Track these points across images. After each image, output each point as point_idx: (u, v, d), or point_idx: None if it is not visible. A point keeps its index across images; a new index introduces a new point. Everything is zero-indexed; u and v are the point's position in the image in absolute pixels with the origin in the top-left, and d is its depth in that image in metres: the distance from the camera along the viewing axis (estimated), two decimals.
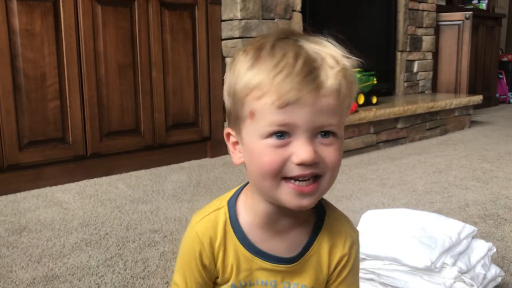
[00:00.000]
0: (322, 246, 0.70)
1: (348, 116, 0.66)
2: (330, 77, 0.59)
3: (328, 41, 0.63)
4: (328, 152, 0.61)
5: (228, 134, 0.68)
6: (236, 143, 0.67)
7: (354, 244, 0.72)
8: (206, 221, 0.70)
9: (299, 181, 0.61)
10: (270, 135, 0.59)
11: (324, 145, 0.61)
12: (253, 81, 0.59)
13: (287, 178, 0.61)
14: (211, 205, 0.72)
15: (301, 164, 0.59)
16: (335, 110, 0.60)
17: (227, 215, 0.70)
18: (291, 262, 0.69)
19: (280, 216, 0.68)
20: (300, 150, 0.59)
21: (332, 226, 0.71)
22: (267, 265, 0.69)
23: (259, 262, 0.69)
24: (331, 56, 0.60)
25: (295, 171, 0.60)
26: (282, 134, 0.59)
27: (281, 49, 0.60)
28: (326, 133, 0.61)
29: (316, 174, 0.61)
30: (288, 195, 0.61)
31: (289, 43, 0.61)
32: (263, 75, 0.59)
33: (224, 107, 0.69)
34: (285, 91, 0.57)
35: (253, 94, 0.60)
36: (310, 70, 0.58)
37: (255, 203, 0.68)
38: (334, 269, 0.71)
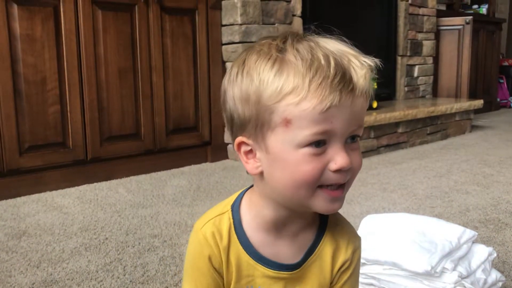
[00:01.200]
0: (325, 250, 0.70)
1: None
2: (360, 78, 0.58)
3: (332, 39, 0.62)
4: (356, 157, 0.61)
5: (240, 144, 0.63)
6: (249, 152, 0.63)
7: (357, 249, 0.72)
8: (211, 224, 0.69)
9: (332, 186, 0.60)
10: (309, 144, 0.58)
11: (352, 150, 0.61)
12: (286, 86, 0.56)
13: (322, 186, 0.60)
14: (213, 210, 0.71)
15: (337, 171, 0.59)
16: (363, 111, 0.60)
17: (231, 220, 0.69)
18: (294, 268, 0.69)
19: (289, 220, 0.67)
20: (338, 156, 0.58)
21: (335, 230, 0.70)
22: (270, 272, 0.68)
23: (261, 269, 0.68)
24: (352, 55, 0.60)
25: (333, 178, 0.59)
26: (320, 142, 0.58)
27: (306, 51, 0.58)
28: (354, 137, 0.61)
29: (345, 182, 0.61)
30: (322, 201, 0.61)
31: (309, 44, 0.59)
32: (298, 79, 0.56)
33: (224, 115, 0.67)
34: (326, 94, 0.56)
35: (288, 100, 0.56)
36: (344, 71, 0.57)
37: (261, 208, 0.67)
38: (336, 273, 0.71)
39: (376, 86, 3.14)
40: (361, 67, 0.59)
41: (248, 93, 0.59)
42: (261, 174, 0.63)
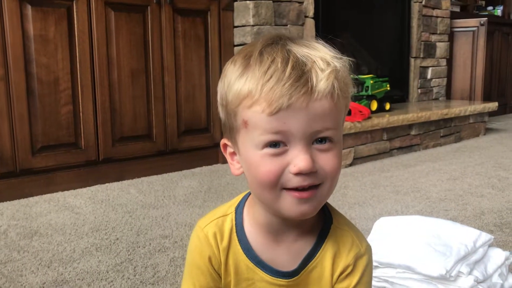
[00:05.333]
0: (326, 257, 0.68)
1: (345, 118, 0.64)
2: (321, 80, 0.57)
3: (319, 43, 0.61)
4: (327, 159, 0.59)
5: (225, 145, 0.66)
6: (233, 153, 0.65)
7: (362, 256, 0.68)
8: (214, 225, 0.69)
9: (299, 190, 0.59)
10: (266, 145, 0.58)
11: (321, 152, 0.59)
12: (243, 90, 0.58)
13: (287, 189, 0.59)
14: (217, 211, 0.71)
15: (299, 174, 0.58)
16: (330, 113, 0.58)
17: (234, 222, 0.69)
18: (291, 276, 0.67)
19: (282, 226, 0.66)
20: (297, 158, 0.57)
21: (337, 236, 0.68)
22: (269, 277, 0.67)
23: (260, 273, 0.67)
24: (321, 58, 0.58)
25: (294, 182, 0.58)
26: (278, 143, 0.58)
27: (269, 55, 0.58)
28: (322, 139, 0.59)
29: (314, 185, 0.59)
30: (289, 204, 0.60)
31: (277, 48, 0.59)
32: (253, 83, 0.57)
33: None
34: (276, 97, 0.56)
35: (244, 103, 0.58)
36: (300, 74, 0.57)
37: (256, 213, 0.67)
38: (337, 279, 0.68)
39: (388, 88, 3.12)
40: (325, 68, 0.57)
41: (221, 97, 0.63)
42: (245, 175, 0.64)
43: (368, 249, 0.70)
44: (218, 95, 0.64)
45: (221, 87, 0.63)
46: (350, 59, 0.62)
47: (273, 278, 0.67)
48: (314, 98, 0.57)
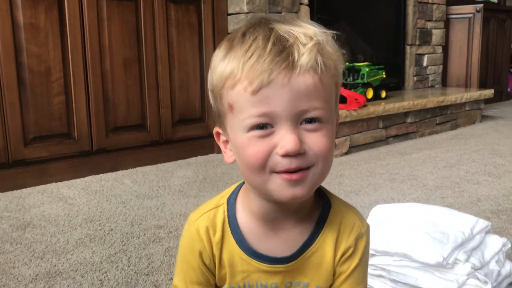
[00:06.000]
0: (327, 241, 0.66)
1: (337, 99, 0.62)
2: (303, 54, 0.55)
3: (303, 21, 0.60)
4: (315, 139, 0.57)
5: (218, 133, 0.65)
6: (226, 141, 0.64)
7: (362, 237, 0.68)
8: (205, 218, 0.67)
9: (288, 173, 0.57)
10: (253, 127, 0.57)
11: (309, 132, 0.57)
12: (226, 70, 0.57)
13: (276, 172, 0.58)
14: (209, 203, 0.70)
15: (286, 156, 0.56)
16: (316, 90, 0.56)
17: (226, 213, 0.67)
18: (289, 261, 0.66)
19: (278, 213, 0.64)
20: (283, 139, 0.55)
21: (337, 220, 0.67)
22: (265, 267, 0.66)
23: (256, 264, 0.66)
24: (304, 33, 0.57)
25: (282, 165, 0.56)
26: (264, 125, 0.56)
27: (251, 34, 0.57)
28: (311, 120, 0.57)
29: (303, 168, 0.57)
30: (279, 186, 0.58)
31: (260, 28, 0.58)
32: (235, 63, 0.56)
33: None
34: (257, 74, 0.54)
35: (228, 84, 0.57)
36: (281, 49, 0.55)
37: (251, 200, 0.65)
38: (338, 262, 0.67)
39: (384, 76, 3.10)
40: (307, 43, 0.56)
41: (209, 82, 0.62)
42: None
43: (368, 229, 0.69)
44: (208, 82, 0.63)
45: (209, 73, 0.62)
46: (335, 32, 0.60)
47: (270, 266, 0.66)
48: (296, 73, 0.55)
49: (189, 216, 0.69)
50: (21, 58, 1.99)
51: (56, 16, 2.07)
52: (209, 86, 0.63)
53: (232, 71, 0.56)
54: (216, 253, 0.66)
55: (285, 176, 0.57)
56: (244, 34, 0.58)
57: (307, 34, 0.57)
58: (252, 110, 0.56)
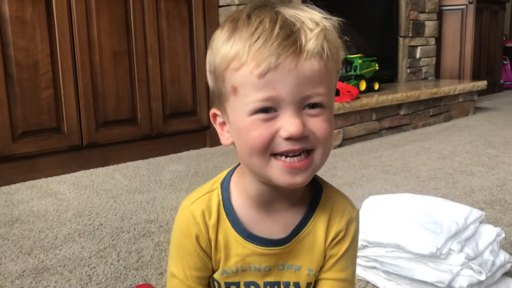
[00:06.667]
0: (318, 225, 0.67)
1: (336, 85, 0.62)
2: (310, 39, 0.56)
3: (308, 6, 0.60)
4: (317, 124, 0.58)
5: (214, 115, 0.65)
6: (223, 123, 0.64)
7: (353, 221, 0.69)
8: (200, 202, 0.67)
9: (290, 157, 0.58)
10: (256, 111, 0.57)
11: (311, 117, 0.58)
12: (231, 52, 0.57)
13: (276, 155, 0.58)
14: (203, 188, 0.70)
15: (289, 139, 0.56)
16: (320, 76, 0.57)
17: (220, 197, 0.67)
18: (282, 243, 0.66)
19: (274, 196, 0.65)
20: (287, 123, 0.56)
21: (329, 204, 0.68)
22: (259, 249, 0.66)
23: (250, 246, 0.66)
24: (310, 19, 0.57)
25: (284, 146, 0.57)
26: (268, 109, 0.56)
27: (257, 16, 0.57)
28: (314, 105, 0.58)
29: (306, 149, 0.58)
30: (279, 172, 0.58)
31: (265, 10, 0.58)
32: (240, 45, 0.56)
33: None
34: (264, 57, 0.54)
35: (232, 66, 0.57)
36: (289, 34, 0.55)
37: (247, 183, 0.66)
38: (329, 245, 0.68)
39: (377, 68, 3.08)
40: (314, 28, 0.56)
41: (209, 63, 0.61)
42: (234, 145, 0.63)
43: (358, 214, 0.71)
44: (207, 63, 0.62)
45: (209, 54, 0.61)
46: (340, 19, 0.60)
47: (264, 248, 0.66)
48: (303, 58, 0.55)
49: (182, 203, 0.69)
50: (8, 51, 1.95)
51: (43, 9, 2.03)
52: (208, 67, 0.62)
53: (238, 53, 0.56)
54: (212, 236, 0.66)
55: (287, 163, 0.58)
56: (249, 16, 0.57)
57: (313, 20, 0.57)
58: (258, 94, 0.56)
